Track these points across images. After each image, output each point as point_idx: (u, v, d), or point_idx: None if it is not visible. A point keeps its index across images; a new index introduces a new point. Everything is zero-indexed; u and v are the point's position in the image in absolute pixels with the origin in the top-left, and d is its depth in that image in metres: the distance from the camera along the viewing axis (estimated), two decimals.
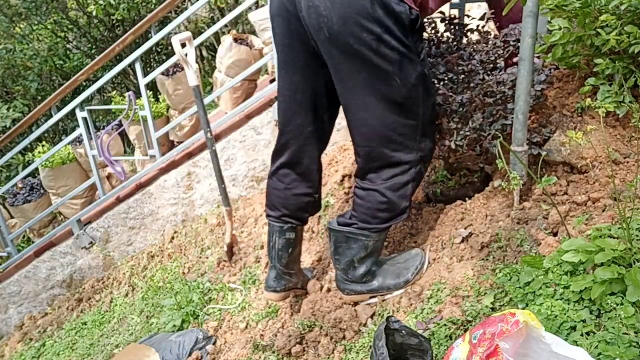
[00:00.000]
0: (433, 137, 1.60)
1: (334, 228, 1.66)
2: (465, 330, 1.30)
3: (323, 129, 1.71)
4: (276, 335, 1.81)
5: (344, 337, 1.63)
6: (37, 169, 4.32)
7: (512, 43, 1.71)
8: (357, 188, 1.61)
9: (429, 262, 1.72)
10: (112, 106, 4.44)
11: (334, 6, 1.34)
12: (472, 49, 1.75)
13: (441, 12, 1.88)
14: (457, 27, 1.87)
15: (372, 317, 1.65)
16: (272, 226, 1.79)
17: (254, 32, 4.10)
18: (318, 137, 1.70)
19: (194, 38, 2.42)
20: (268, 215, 1.81)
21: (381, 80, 1.43)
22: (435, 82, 1.73)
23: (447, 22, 1.85)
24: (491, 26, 1.90)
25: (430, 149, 1.60)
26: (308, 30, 1.42)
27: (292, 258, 1.83)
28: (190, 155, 3.21)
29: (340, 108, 1.61)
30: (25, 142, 3.61)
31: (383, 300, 1.68)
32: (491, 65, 1.73)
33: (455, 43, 1.82)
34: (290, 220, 1.77)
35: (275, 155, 1.74)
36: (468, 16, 1.96)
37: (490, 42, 1.76)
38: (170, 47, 5.92)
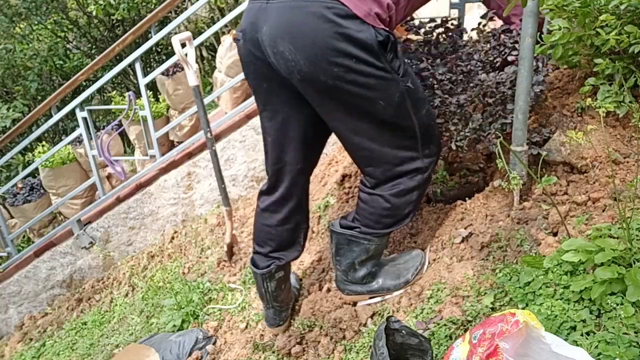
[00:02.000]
0: (437, 140, 1.57)
1: (336, 230, 1.64)
2: (465, 330, 1.30)
3: (313, 160, 1.67)
4: (276, 335, 1.81)
5: (344, 337, 1.63)
6: (37, 169, 4.32)
7: (509, 45, 1.71)
8: (361, 192, 1.59)
9: (429, 262, 1.72)
10: (112, 106, 4.45)
11: (297, 49, 1.30)
12: (471, 49, 1.75)
13: (440, 15, 1.89)
14: (456, 27, 1.87)
15: (372, 317, 1.65)
16: (258, 275, 1.73)
17: None
18: (309, 169, 1.67)
19: (194, 38, 2.42)
20: (256, 253, 1.75)
21: (365, 107, 1.40)
22: (435, 82, 1.73)
23: (445, 22, 1.85)
24: (491, 26, 1.90)
25: (436, 152, 1.56)
26: (281, 73, 1.39)
27: (286, 291, 1.80)
28: (190, 155, 3.21)
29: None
30: (25, 142, 3.60)
31: (383, 300, 1.68)
32: (489, 66, 1.73)
33: (454, 43, 1.82)
34: (280, 255, 1.72)
35: (265, 194, 1.68)
36: (468, 16, 1.96)
37: (490, 42, 1.76)
38: (170, 47, 5.92)
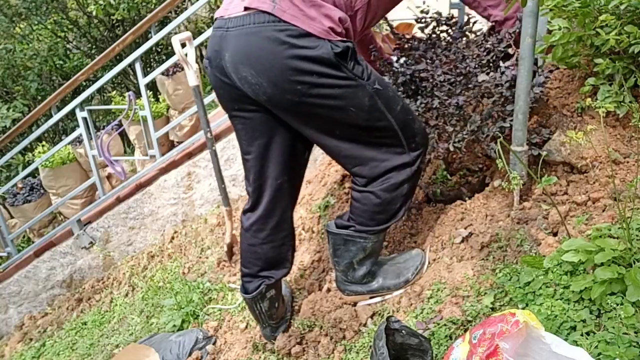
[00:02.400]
0: (420, 132, 1.54)
1: (332, 231, 1.65)
2: (465, 330, 1.30)
3: (296, 173, 1.65)
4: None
5: (344, 337, 1.63)
6: (37, 169, 4.32)
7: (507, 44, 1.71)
8: (353, 190, 1.59)
9: (428, 262, 1.72)
10: (112, 106, 4.45)
11: (259, 73, 1.33)
12: (470, 51, 1.75)
13: (438, 13, 1.88)
14: (454, 28, 1.87)
15: (372, 317, 1.65)
16: (249, 299, 1.71)
17: None
18: (292, 184, 1.64)
19: (194, 38, 2.42)
20: (245, 276, 1.73)
21: (337, 116, 1.41)
22: (434, 83, 1.73)
23: (444, 22, 1.85)
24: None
25: (422, 144, 1.55)
26: (250, 96, 1.41)
27: (280, 308, 1.78)
28: (190, 155, 3.21)
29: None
30: (25, 142, 3.60)
31: (383, 300, 1.68)
32: (490, 66, 1.73)
33: (453, 44, 1.82)
34: (269, 274, 1.70)
35: (248, 212, 1.67)
36: (468, 14, 1.95)
37: (488, 43, 1.76)
38: (170, 47, 5.92)
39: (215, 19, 1.44)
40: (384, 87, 1.44)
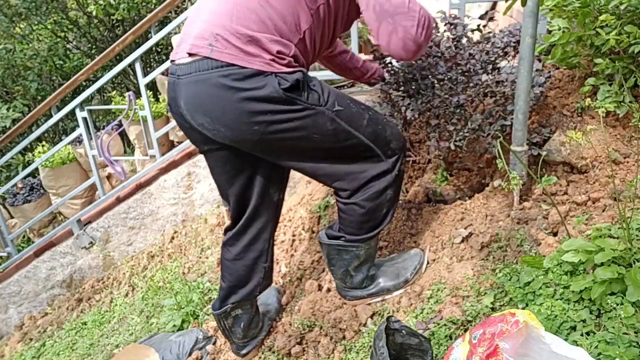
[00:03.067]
0: (395, 137, 1.51)
1: (324, 242, 1.65)
2: (465, 330, 1.30)
3: (272, 196, 1.63)
4: (276, 335, 1.81)
5: (344, 337, 1.63)
6: (37, 169, 4.32)
7: (512, 44, 1.71)
8: (337, 202, 1.58)
9: (428, 262, 1.72)
10: (112, 106, 4.44)
11: (214, 120, 1.34)
12: (472, 49, 1.75)
13: (442, 12, 1.88)
14: (457, 27, 1.86)
15: (372, 317, 1.65)
16: (215, 315, 1.73)
17: None
18: (268, 206, 1.63)
19: None
20: (220, 289, 1.74)
21: (302, 145, 1.41)
22: (435, 82, 1.73)
23: (447, 22, 1.85)
24: (491, 26, 1.90)
25: (399, 148, 1.52)
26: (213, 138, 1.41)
27: (245, 328, 1.77)
28: (190, 155, 3.21)
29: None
30: (25, 142, 3.60)
31: (383, 300, 1.68)
32: (491, 66, 1.73)
33: (455, 43, 1.82)
34: (237, 292, 1.70)
35: (228, 228, 1.68)
36: (468, 16, 1.96)
37: (490, 41, 1.76)
38: (170, 47, 5.92)
39: (171, 62, 1.44)
40: (344, 106, 1.41)
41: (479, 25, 1.85)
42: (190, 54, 1.33)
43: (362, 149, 1.46)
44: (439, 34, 1.85)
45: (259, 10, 1.30)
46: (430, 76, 1.73)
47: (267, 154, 1.47)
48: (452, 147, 1.76)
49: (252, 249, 1.66)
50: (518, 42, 1.71)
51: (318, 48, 1.46)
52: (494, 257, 1.53)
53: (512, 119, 1.60)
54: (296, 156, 1.46)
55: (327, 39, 1.49)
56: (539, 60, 1.85)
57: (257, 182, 1.56)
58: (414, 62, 1.79)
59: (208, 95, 1.32)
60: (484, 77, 1.71)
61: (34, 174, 4.89)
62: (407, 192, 2.14)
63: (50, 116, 3.48)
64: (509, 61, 1.77)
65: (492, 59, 1.72)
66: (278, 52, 1.30)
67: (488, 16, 1.86)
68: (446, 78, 1.70)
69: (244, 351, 1.80)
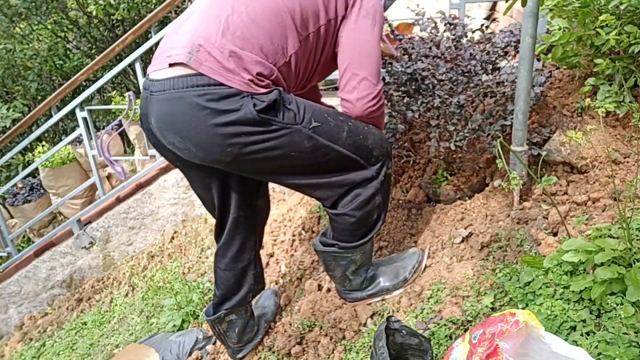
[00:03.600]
0: (378, 144, 1.48)
1: (319, 249, 1.64)
2: (465, 330, 1.30)
3: (252, 207, 1.63)
4: (276, 335, 1.81)
5: (344, 337, 1.63)
6: (37, 169, 4.32)
7: (512, 44, 1.71)
8: (327, 212, 1.57)
9: (427, 262, 1.71)
10: (112, 106, 4.44)
11: (185, 140, 1.30)
12: (472, 49, 1.75)
13: (442, 12, 1.89)
14: (456, 28, 1.87)
15: (372, 317, 1.65)
16: (209, 321, 1.73)
17: None
18: (249, 216, 1.63)
19: None
20: (214, 296, 1.75)
21: (279, 163, 1.38)
22: (435, 82, 1.73)
23: (447, 22, 1.85)
24: (492, 26, 1.90)
25: (383, 154, 1.49)
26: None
27: (240, 333, 1.77)
28: None
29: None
30: (25, 142, 3.60)
31: (383, 300, 1.68)
32: (491, 66, 1.73)
33: (455, 43, 1.82)
34: (229, 299, 1.70)
35: (216, 239, 1.69)
36: (468, 17, 1.96)
37: (490, 42, 1.76)
38: None
39: (145, 77, 1.41)
40: (322, 121, 1.38)
41: (482, 25, 1.85)
42: (170, 65, 1.30)
43: (343, 160, 1.43)
44: (438, 35, 1.86)
45: (247, 28, 1.29)
46: (430, 77, 1.73)
47: (242, 172, 1.45)
48: (453, 147, 1.76)
49: (240, 259, 1.67)
50: (518, 41, 1.71)
51: (301, 76, 1.45)
52: (494, 257, 1.53)
53: (512, 118, 1.60)
54: (273, 172, 1.44)
55: (310, 71, 1.48)
56: (539, 60, 1.85)
57: (234, 194, 1.55)
58: (413, 63, 1.79)
59: (181, 114, 1.28)
60: (484, 77, 1.71)
61: (34, 174, 4.89)
62: (407, 192, 2.14)
63: (50, 116, 3.48)
64: (509, 61, 1.77)
65: (493, 59, 1.72)
66: (258, 73, 1.28)
67: (491, 18, 1.86)
68: (446, 78, 1.70)
69: (239, 355, 1.81)
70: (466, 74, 1.69)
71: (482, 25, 1.86)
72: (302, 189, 1.53)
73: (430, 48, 1.80)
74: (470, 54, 1.71)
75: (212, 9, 1.33)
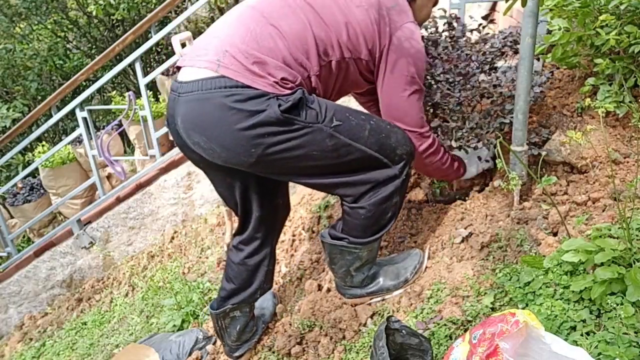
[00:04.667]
0: (401, 143, 1.49)
1: (327, 242, 1.65)
2: (465, 330, 1.30)
3: (274, 207, 1.65)
4: (276, 335, 1.81)
5: (344, 337, 1.63)
6: (37, 169, 4.32)
7: (509, 44, 1.71)
8: (343, 205, 1.58)
9: (428, 262, 1.72)
10: (112, 106, 4.44)
11: (210, 140, 1.34)
12: (470, 50, 1.75)
13: (443, 9, 1.88)
14: (456, 28, 1.86)
15: (372, 317, 1.65)
16: (213, 315, 1.75)
17: None
18: (272, 215, 1.66)
19: (194, 38, 2.41)
20: (220, 290, 1.77)
21: (302, 163, 1.40)
22: (433, 83, 1.72)
23: (446, 22, 1.85)
24: (491, 27, 1.90)
25: (406, 153, 1.50)
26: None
27: (240, 332, 1.78)
28: None
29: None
30: (25, 142, 3.60)
31: (383, 300, 1.68)
32: (488, 66, 1.73)
33: (453, 44, 1.82)
34: (238, 294, 1.72)
35: (237, 234, 1.71)
36: (471, 17, 1.95)
37: (488, 43, 1.76)
38: (170, 47, 5.92)
39: (174, 80, 1.44)
40: (343, 119, 1.40)
41: (479, 25, 1.85)
42: (199, 68, 1.34)
43: (368, 160, 1.45)
44: (437, 34, 1.85)
45: (272, 40, 1.34)
46: (428, 76, 1.73)
47: (263, 172, 1.47)
48: (454, 145, 1.76)
49: (258, 252, 1.70)
50: (515, 41, 1.71)
51: (324, 94, 1.48)
52: (494, 257, 1.53)
53: (511, 117, 1.60)
54: (296, 173, 1.46)
55: (331, 91, 1.51)
56: (539, 60, 1.85)
57: (256, 193, 1.58)
58: None
59: (207, 115, 1.31)
60: (482, 77, 1.71)
61: (34, 174, 4.89)
62: (407, 192, 2.14)
63: (50, 116, 3.48)
64: (506, 61, 1.77)
65: (489, 59, 1.71)
66: (282, 78, 1.31)
67: (489, 18, 1.86)
68: (443, 79, 1.70)
69: (236, 354, 1.82)
70: (463, 75, 1.69)
71: (479, 25, 1.86)
72: (325, 188, 1.55)
73: (428, 47, 1.80)
74: (467, 55, 1.71)
75: (245, 17, 1.39)
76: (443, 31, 1.85)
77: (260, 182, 1.56)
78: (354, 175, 1.47)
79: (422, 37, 1.88)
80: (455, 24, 1.81)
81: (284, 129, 1.32)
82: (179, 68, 1.43)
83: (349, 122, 1.41)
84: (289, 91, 1.32)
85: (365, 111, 1.52)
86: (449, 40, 1.80)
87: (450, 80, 1.69)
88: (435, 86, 1.71)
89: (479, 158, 1.82)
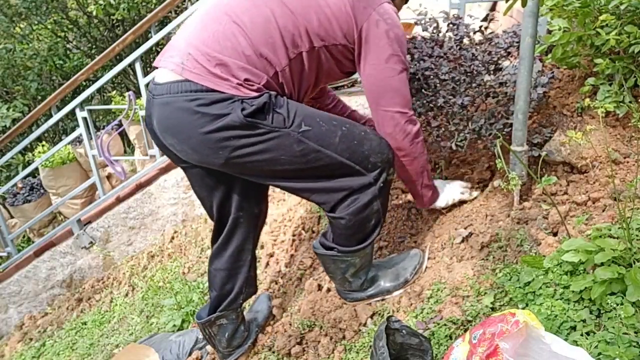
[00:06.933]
0: (375, 150, 1.45)
1: (319, 252, 1.64)
2: (465, 330, 1.30)
3: (252, 209, 1.63)
4: (276, 335, 1.81)
5: (344, 337, 1.63)
6: (37, 169, 4.32)
7: (515, 44, 1.71)
8: (325, 214, 1.57)
9: (428, 262, 1.72)
10: (112, 106, 4.45)
11: (180, 142, 1.36)
12: (474, 50, 1.75)
13: (444, 12, 1.88)
14: (459, 28, 1.86)
15: (372, 317, 1.65)
16: (199, 325, 1.74)
17: None
18: (249, 218, 1.63)
19: None
20: (208, 299, 1.77)
21: (271, 167, 1.39)
22: (438, 82, 1.72)
23: (450, 22, 1.85)
24: (492, 27, 1.90)
25: (381, 160, 1.46)
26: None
27: (229, 338, 1.77)
28: None
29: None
30: (25, 142, 3.60)
31: (383, 300, 1.68)
32: (493, 66, 1.73)
33: (458, 43, 1.82)
34: (222, 300, 1.71)
35: (212, 240, 1.70)
36: (470, 16, 1.95)
37: (493, 42, 1.76)
38: None
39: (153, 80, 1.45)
40: (312, 125, 1.38)
41: (480, 27, 1.85)
42: (169, 70, 1.35)
43: (337, 166, 1.42)
44: (441, 34, 1.85)
45: (234, 38, 1.32)
46: (433, 76, 1.73)
47: (237, 174, 1.47)
48: (454, 147, 1.76)
49: (236, 259, 1.67)
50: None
51: (298, 88, 1.45)
52: (494, 257, 1.53)
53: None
54: (267, 176, 1.45)
55: (308, 84, 1.48)
56: (540, 61, 1.85)
57: (235, 196, 1.56)
58: (417, 63, 1.79)
59: (175, 118, 1.34)
60: (487, 77, 1.71)
61: (34, 174, 4.89)
62: (407, 192, 2.14)
63: (50, 116, 3.48)
64: (511, 61, 1.77)
65: (495, 59, 1.71)
66: (246, 79, 1.31)
67: (489, 18, 1.86)
68: (449, 78, 1.70)
69: (229, 359, 1.81)
70: (469, 74, 1.69)
71: (480, 26, 1.86)
72: (298, 192, 1.53)
73: (433, 47, 1.80)
74: (473, 54, 1.71)
75: (208, 17, 1.38)
76: (447, 31, 1.85)
77: (238, 184, 1.54)
78: (326, 181, 1.45)
79: (424, 37, 1.88)
80: (457, 24, 1.81)
81: (248, 133, 1.32)
82: (156, 67, 1.44)
83: (319, 128, 1.39)
84: (255, 93, 1.31)
85: (340, 117, 1.48)
86: (454, 39, 1.80)
87: (456, 79, 1.69)
88: (439, 86, 1.71)
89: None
